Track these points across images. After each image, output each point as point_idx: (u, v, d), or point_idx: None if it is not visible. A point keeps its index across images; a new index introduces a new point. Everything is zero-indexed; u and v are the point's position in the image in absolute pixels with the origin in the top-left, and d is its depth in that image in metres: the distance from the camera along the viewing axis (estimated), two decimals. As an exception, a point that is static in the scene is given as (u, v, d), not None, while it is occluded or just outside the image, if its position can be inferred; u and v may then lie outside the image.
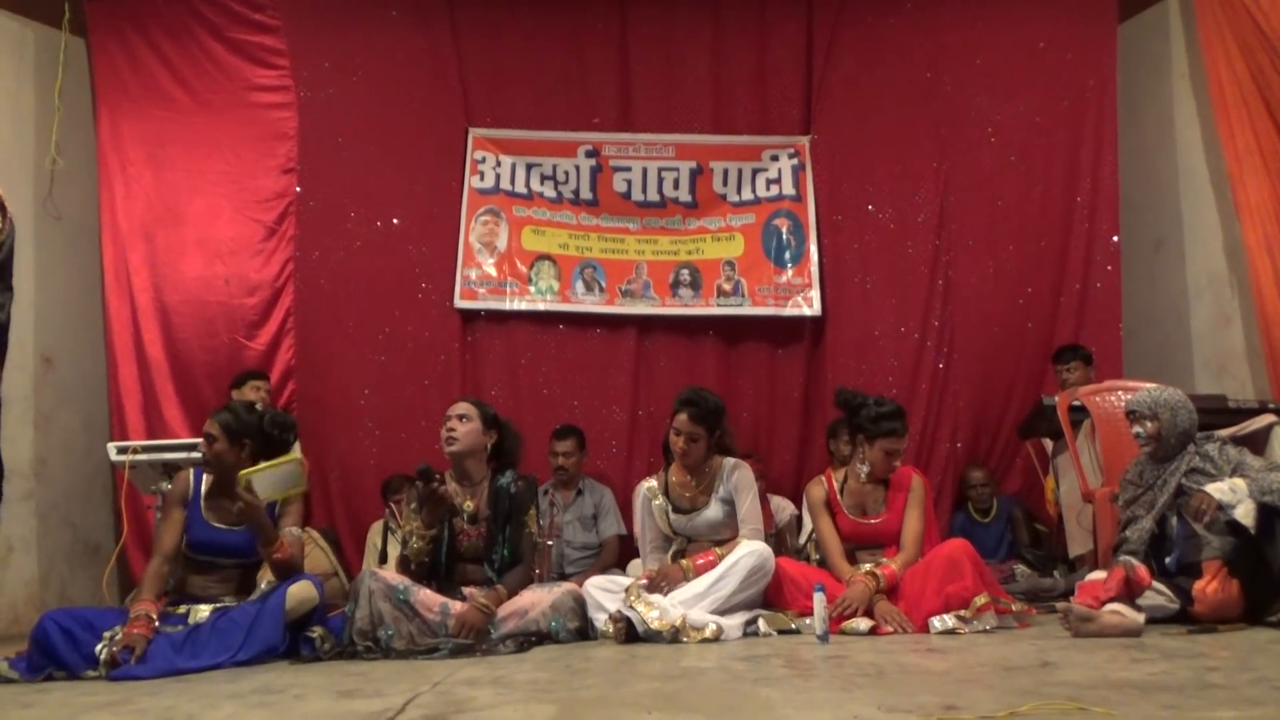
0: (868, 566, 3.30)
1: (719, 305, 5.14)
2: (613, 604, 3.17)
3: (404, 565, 3.25)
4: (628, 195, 5.23)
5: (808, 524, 4.36)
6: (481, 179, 5.22)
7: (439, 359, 5.08)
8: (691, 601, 3.12)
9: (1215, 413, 3.83)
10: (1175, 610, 3.03)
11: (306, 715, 1.91)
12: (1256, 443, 3.62)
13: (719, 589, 3.15)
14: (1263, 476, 3.06)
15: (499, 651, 2.91)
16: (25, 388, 4.77)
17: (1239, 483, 3.06)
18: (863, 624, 3.10)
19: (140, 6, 5.19)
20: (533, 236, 5.21)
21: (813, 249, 5.16)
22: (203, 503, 3.11)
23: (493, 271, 5.15)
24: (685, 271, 5.18)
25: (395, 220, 5.19)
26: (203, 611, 2.93)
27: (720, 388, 4.51)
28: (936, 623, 3.03)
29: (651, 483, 3.55)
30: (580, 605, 3.24)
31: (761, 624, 3.17)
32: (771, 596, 3.29)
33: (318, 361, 5.08)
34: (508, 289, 5.15)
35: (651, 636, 2.99)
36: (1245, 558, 2.96)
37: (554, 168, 5.24)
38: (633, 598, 3.11)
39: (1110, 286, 5.10)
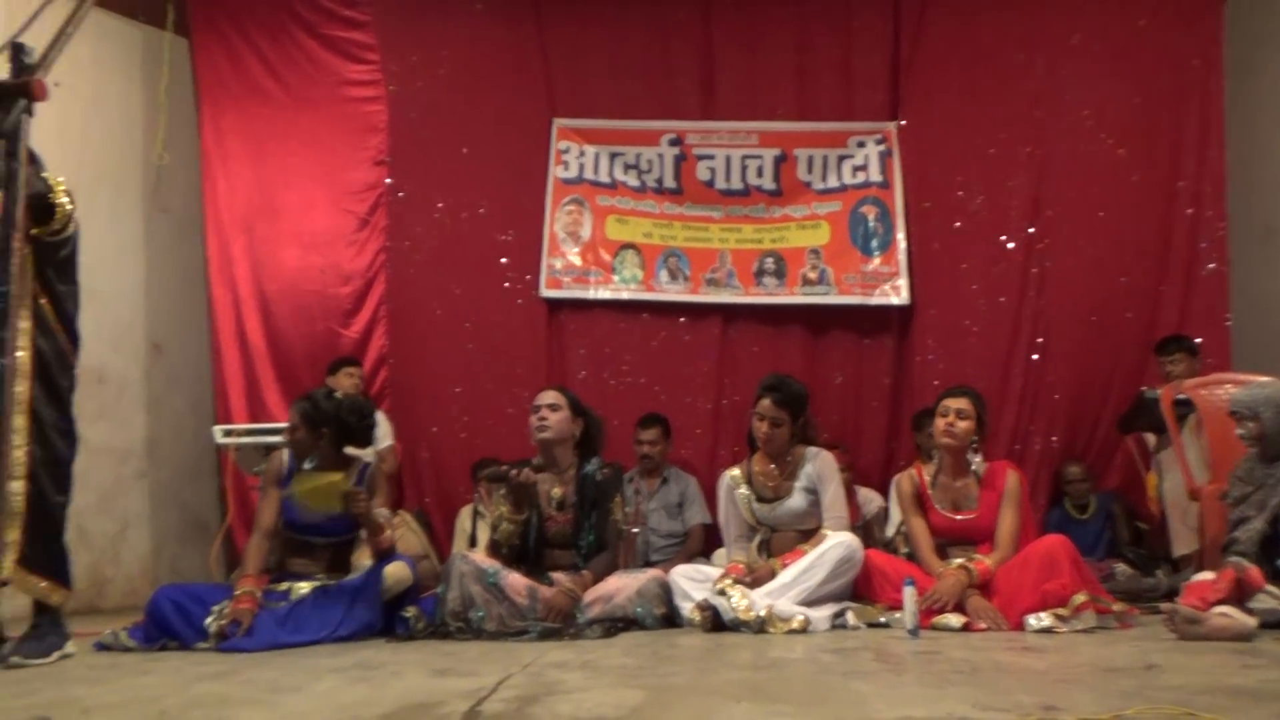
0: (960, 560, 3.24)
1: (804, 294, 5.08)
2: (699, 593, 3.18)
3: (494, 549, 3.32)
4: (711, 183, 5.21)
5: (895, 516, 4.30)
6: (566, 169, 5.26)
7: (525, 347, 5.15)
8: (778, 592, 3.11)
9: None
10: (1289, 614, 2.89)
11: (404, 691, 1.97)
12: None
13: (806, 580, 3.14)
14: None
15: (586, 636, 2.95)
16: (137, 373, 5.01)
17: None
18: (955, 620, 3.04)
19: (239, 6, 5.37)
20: (616, 226, 5.23)
21: (900, 237, 5.06)
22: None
23: (577, 261, 5.20)
24: (770, 260, 5.13)
25: (481, 210, 5.27)
26: (303, 589, 3.05)
27: (806, 377, 4.43)
28: (1032, 620, 2.96)
29: (735, 472, 3.54)
30: (666, 592, 3.26)
31: (850, 616, 3.14)
32: (860, 589, 3.27)
33: (408, 349, 5.21)
34: (592, 278, 5.18)
35: (738, 626, 2.99)
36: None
37: (637, 157, 5.25)
38: (724, 585, 3.11)
39: (1217, 275, 4.87)
